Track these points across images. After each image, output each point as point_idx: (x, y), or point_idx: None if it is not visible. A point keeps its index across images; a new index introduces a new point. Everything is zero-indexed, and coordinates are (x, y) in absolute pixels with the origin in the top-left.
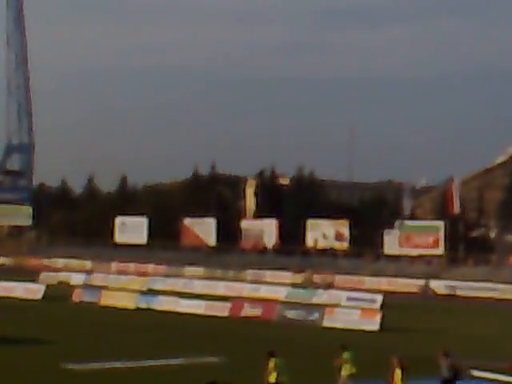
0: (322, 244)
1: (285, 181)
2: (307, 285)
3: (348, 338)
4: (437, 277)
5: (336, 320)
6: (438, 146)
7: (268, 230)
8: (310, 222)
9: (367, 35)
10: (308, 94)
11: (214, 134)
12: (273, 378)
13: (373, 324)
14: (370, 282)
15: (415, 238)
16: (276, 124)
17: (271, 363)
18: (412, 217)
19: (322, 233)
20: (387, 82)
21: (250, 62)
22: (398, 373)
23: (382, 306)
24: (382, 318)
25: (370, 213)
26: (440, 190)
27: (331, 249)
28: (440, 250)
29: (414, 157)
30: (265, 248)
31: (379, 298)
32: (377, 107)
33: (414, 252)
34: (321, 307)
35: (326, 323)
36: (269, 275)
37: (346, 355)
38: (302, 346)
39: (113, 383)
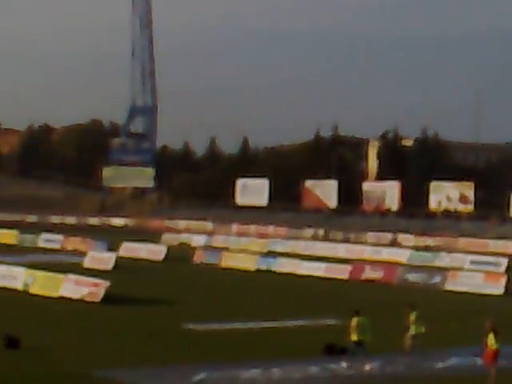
0: (445, 206)
1: (408, 142)
2: None
3: (471, 302)
4: None
5: (459, 283)
6: None
7: (390, 193)
8: (433, 185)
9: None
10: (434, 54)
11: (337, 95)
12: (354, 336)
13: (497, 288)
14: (494, 245)
15: None
16: (400, 84)
17: (354, 321)
18: None
19: (446, 195)
20: None
21: (375, 22)
22: (490, 337)
23: (508, 270)
24: (508, 282)
25: (496, 175)
26: None
27: (455, 211)
28: None
29: None
30: (386, 210)
31: (504, 261)
32: (505, 67)
33: None
34: (443, 270)
35: (449, 287)
36: (390, 238)
37: (413, 315)
38: (424, 310)
39: (233, 344)
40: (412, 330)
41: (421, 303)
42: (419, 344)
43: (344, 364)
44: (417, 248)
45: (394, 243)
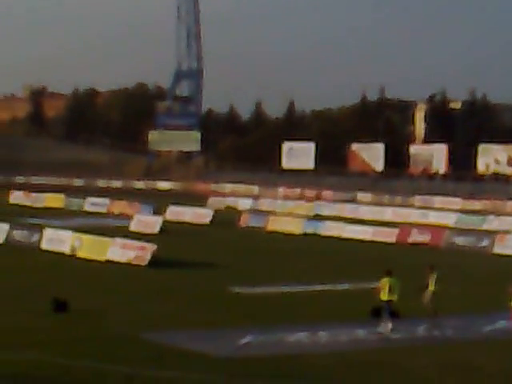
0: (493, 169)
1: (456, 105)
2: None
3: None
4: None
5: (507, 247)
6: None
7: (438, 156)
8: (481, 147)
9: None
10: (483, 13)
11: (384, 57)
12: (384, 295)
13: None
14: None
15: None
16: (448, 45)
17: (384, 282)
18: None
19: (494, 158)
20: None
21: None
22: None
23: None
24: None
25: None
26: None
27: (503, 174)
28: None
29: None
30: (434, 173)
31: None
32: None
33: None
34: (491, 234)
35: (497, 250)
36: (438, 201)
37: (432, 277)
38: (471, 273)
39: (279, 307)
40: (430, 290)
41: (469, 266)
42: (435, 305)
43: (389, 325)
44: (464, 211)
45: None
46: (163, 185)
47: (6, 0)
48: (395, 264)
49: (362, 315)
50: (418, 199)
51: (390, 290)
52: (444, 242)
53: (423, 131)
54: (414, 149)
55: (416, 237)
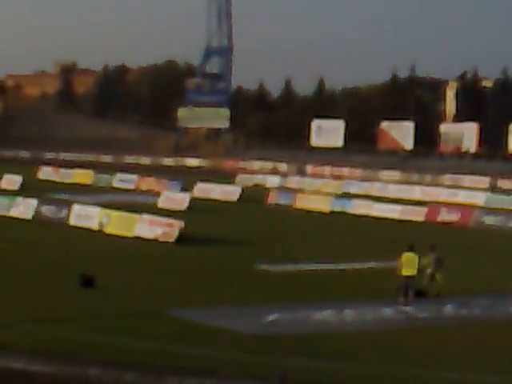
0: None
1: (488, 83)
2: None
3: None
4: None
5: None
6: None
7: (468, 134)
8: None
9: None
10: None
11: (414, 35)
12: (404, 271)
13: None
14: None
15: None
16: (479, 23)
17: (404, 257)
18: None
19: None
20: None
21: None
22: None
23: None
24: None
25: None
26: None
27: None
28: None
29: None
30: (464, 152)
31: None
32: None
33: None
34: None
35: None
36: (467, 180)
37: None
38: (500, 252)
39: (306, 285)
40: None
41: (497, 246)
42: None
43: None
44: (494, 190)
45: (493, 187)
46: (191, 162)
47: None
48: (423, 243)
49: (389, 294)
50: (447, 178)
51: (408, 265)
52: (473, 221)
53: (454, 109)
54: (444, 127)
55: (445, 216)
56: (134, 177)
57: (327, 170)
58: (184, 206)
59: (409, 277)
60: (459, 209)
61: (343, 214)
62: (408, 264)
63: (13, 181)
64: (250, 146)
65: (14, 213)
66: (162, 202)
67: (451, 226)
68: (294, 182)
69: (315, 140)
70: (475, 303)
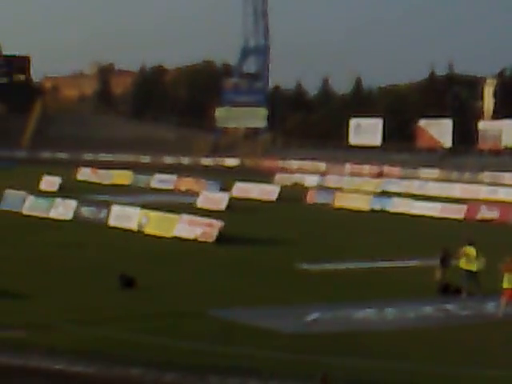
0: None
1: None
2: None
3: None
4: None
5: None
6: None
7: (507, 131)
8: None
9: None
10: None
11: (452, 32)
12: (463, 263)
13: None
14: None
15: None
16: None
17: (463, 250)
18: None
19: None
20: None
21: None
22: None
23: None
24: None
25: None
26: None
27: None
28: None
29: None
30: (503, 149)
31: None
32: None
33: None
34: None
35: None
36: (507, 177)
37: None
38: None
39: (347, 284)
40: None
41: None
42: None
43: (463, 295)
44: None
45: None
46: (230, 161)
47: None
48: (463, 241)
49: (430, 292)
50: (486, 175)
51: (468, 260)
52: None
53: (492, 106)
54: (482, 124)
55: (485, 213)
56: (172, 177)
57: (366, 168)
58: (223, 205)
59: (469, 271)
60: (499, 206)
61: (382, 212)
62: (468, 258)
63: (52, 182)
64: (288, 145)
65: (54, 214)
66: (200, 202)
67: (491, 224)
68: (332, 180)
69: (353, 138)
70: None
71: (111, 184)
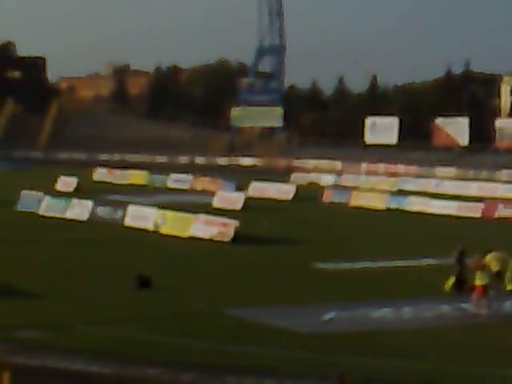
0: None
1: None
2: None
3: None
4: None
5: None
6: None
7: None
8: None
9: None
10: None
11: (469, 30)
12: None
13: None
14: None
15: None
16: None
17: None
18: None
19: None
20: None
21: None
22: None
23: None
24: None
25: None
26: None
27: None
28: None
29: None
30: None
31: None
32: None
33: None
34: None
35: None
36: None
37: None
38: None
39: (364, 283)
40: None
41: None
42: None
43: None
44: None
45: None
46: (246, 161)
47: None
48: (481, 239)
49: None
50: (504, 173)
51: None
52: None
53: (509, 105)
54: (499, 122)
55: (502, 212)
56: (188, 177)
57: (382, 167)
58: (239, 205)
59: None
60: None
61: (399, 211)
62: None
63: (68, 183)
64: (304, 144)
65: (70, 214)
66: (217, 202)
67: (509, 222)
68: (348, 179)
69: (369, 137)
70: None
71: (127, 184)
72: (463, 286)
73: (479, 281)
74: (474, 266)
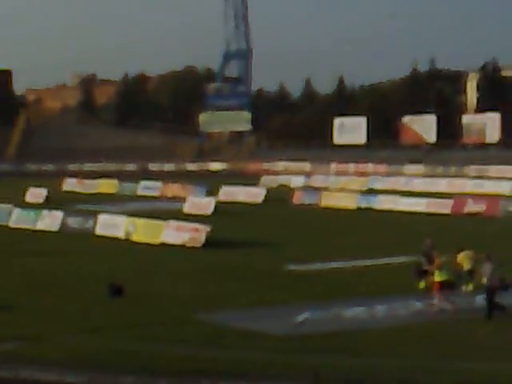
0: None
1: (509, 73)
2: None
3: None
4: None
5: None
6: None
7: (491, 125)
8: None
9: None
10: None
11: (434, 27)
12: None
13: None
14: None
15: None
16: (498, 13)
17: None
18: None
19: None
20: None
21: None
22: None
23: None
24: None
25: None
26: None
27: None
28: None
29: None
30: (487, 143)
31: None
32: None
33: None
34: None
35: None
36: (492, 170)
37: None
38: None
39: (336, 283)
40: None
41: None
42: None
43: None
44: None
45: None
46: (215, 166)
47: None
48: (451, 235)
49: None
50: (472, 169)
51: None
52: (500, 211)
53: (475, 101)
54: (466, 119)
55: (471, 207)
56: (158, 184)
57: (351, 167)
58: (210, 210)
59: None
60: (485, 199)
61: (369, 210)
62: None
63: (38, 194)
64: (273, 147)
65: (41, 225)
66: (187, 208)
67: (478, 217)
68: (318, 180)
69: (338, 138)
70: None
71: (97, 193)
72: (422, 273)
73: (438, 277)
74: (435, 263)
